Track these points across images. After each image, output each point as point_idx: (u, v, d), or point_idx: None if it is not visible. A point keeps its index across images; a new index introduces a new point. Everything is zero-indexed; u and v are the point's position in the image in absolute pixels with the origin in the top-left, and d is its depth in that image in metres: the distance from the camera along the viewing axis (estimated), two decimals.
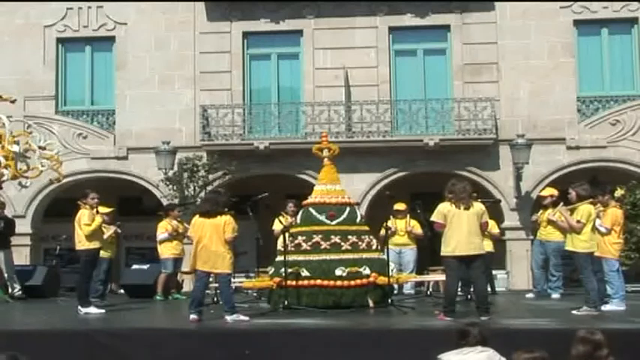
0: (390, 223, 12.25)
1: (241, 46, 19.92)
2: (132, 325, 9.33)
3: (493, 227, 12.50)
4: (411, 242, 13.87)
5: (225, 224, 9.26)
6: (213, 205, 9.52)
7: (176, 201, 18.75)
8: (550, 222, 12.62)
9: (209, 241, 9.26)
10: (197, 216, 9.66)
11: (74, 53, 20.42)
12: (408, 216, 13.89)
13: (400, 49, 19.87)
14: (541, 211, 13.18)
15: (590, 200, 9.95)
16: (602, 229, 10.35)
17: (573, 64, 19.33)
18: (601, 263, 10.36)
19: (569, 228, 9.73)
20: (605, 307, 10.10)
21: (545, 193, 13.31)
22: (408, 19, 19.65)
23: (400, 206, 13.75)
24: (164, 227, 13.95)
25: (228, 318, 9.18)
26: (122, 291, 15.12)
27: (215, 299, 11.21)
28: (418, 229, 13.72)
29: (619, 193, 11.79)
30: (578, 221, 9.72)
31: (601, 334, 5.15)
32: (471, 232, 9.17)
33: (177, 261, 14.02)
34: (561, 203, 12.69)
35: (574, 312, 9.57)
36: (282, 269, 10.51)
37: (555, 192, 13.17)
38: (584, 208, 9.80)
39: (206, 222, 9.37)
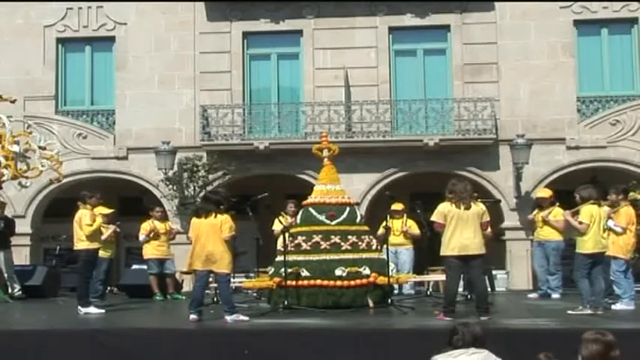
0: (388, 223, 12.25)
1: (241, 46, 19.91)
2: (132, 325, 9.32)
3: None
4: (408, 242, 13.86)
5: (222, 224, 9.26)
6: (207, 205, 9.55)
7: (176, 201, 18.79)
8: (545, 222, 12.69)
9: (207, 240, 9.26)
10: (195, 216, 9.69)
11: (74, 53, 20.41)
12: (405, 216, 13.89)
13: (400, 49, 19.86)
14: (536, 211, 13.21)
15: (592, 201, 9.96)
16: (618, 229, 10.38)
17: (573, 64, 19.32)
18: (609, 262, 10.36)
19: (564, 229, 9.66)
20: (615, 307, 10.16)
21: (544, 194, 13.32)
22: (408, 19, 19.64)
23: (397, 206, 13.74)
24: (143, 229, 13.98)
25: (228, 318, 9.17)
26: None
27: (215, 299, 11.21)
28: (415, 230, 13.72)
29: (633, 196, 11.75)
30: (581, 222, 9.75)
31: (612, 335, 5.15)
32: (471, 232, 9.17)
33: (163, 261, 13.95)
34: (557, 204, 12.80)
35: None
36: (282, 269, 10.50)
37: (551, 192, 13.32)
38: (586, 209, 9.83)
39: (203, 222, 9.38)
